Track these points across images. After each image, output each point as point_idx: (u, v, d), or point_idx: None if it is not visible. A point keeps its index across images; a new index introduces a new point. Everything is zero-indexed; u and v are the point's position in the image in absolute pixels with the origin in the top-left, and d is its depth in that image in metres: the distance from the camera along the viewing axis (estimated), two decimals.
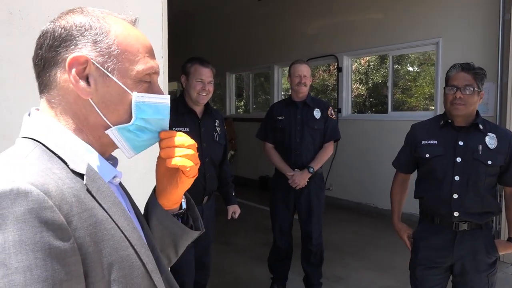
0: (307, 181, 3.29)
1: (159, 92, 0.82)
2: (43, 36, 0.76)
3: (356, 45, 6.35)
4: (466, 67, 2.10)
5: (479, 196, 2.10)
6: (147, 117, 0.79)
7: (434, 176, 2.17)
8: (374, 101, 10.71)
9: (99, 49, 0.74)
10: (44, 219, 0.59)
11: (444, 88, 2.18)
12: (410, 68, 10.39)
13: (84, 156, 0.74)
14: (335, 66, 6.92)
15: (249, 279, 3.92)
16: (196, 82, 2.56)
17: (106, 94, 0.75)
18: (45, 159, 0.68)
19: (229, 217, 2.91)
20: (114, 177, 0.81)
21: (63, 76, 0.74)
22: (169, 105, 0.82)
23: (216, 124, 2.72)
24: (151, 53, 0.81)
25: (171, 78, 2.17)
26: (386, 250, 4.65)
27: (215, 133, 2.69)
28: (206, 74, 2.58)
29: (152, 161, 0.90)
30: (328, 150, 3.42)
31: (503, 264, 4.27)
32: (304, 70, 3.33)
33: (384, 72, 10.30)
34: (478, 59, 4.61)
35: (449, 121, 2.17)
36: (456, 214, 2.10)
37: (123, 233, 0.71)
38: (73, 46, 0.74)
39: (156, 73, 0.81)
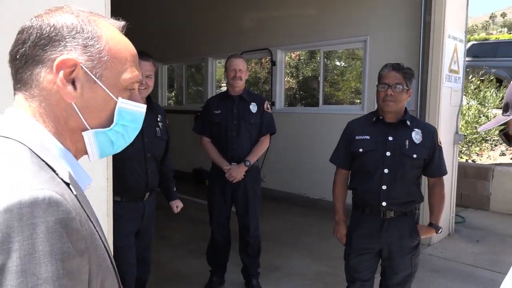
0: (244, 174, 3.33)
1: (138, 100, 0.82)
2: (27, 31, 0.72)
3: (289, 40, 6.51)
4: (397, 67, 2.27)
5: (405, 187, 2.29)
6: (126, 124, 0.79)
7: (366, 169, 2.33)
8: (304, 94, 11.05)
9: (89, 53, 0.73)
10: (71, 230, 0.60)
11: (376, 85, 2.33)
12: (338, 63, 10.85)
13: (65, 163, 0.72)
14: (267, 59, 7.03)
15: (188, 272, 3.92)
16: None
17: (91, 99, 0.74)
18: (43, 168, 0.65)
19: (175, 211, 2.88)
20: (87, 185, 0.80)
21: (47, 77, 0.71)
22: (144, 114, 0.83)
23: (158, 119, 2.67)
24: (136, 62, 0.81)
25: None
26: (318, 237, 4.87)
27: (157, 129, 2.64)
28: (144, 67, 2.51)
29: None
30: (264, 143, 3.49)
31: (421, 246, 4.66)
32: (239, 64, 3.35)
33: (314, 66, 10.67)
34: (401, 57, 4.96)
35: (381, 117, 2.34)
36: (384, 204, 2.27)
37: (101, 239, 0.72)
38: (61, 48, 0.71)
39: (139, 82, 0.81)
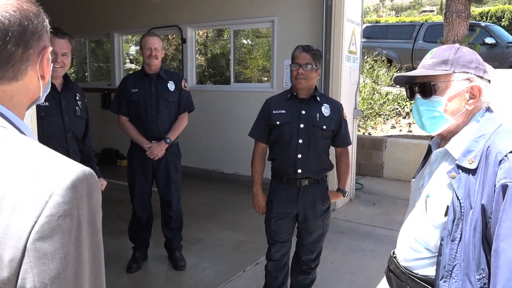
0: (164, 152, 3.41)
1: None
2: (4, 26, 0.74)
3: (199, 18, 6.52)
4: (307, 49, 2.52)
5: (317, 155, 2.59)
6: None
7: (283, 140, 2.58)
8: (213, 72, 11.13)
9: (48, 37, 0.82)
10: (99, 191, 0.74)
11: (290, 65, 2.57)
12: (245, 42, 11.06)
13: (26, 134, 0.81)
14: (174, 36, 6.97)
15: (109, 250, 3.89)
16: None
17: (47, 72, 0.86)
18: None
19: (101, 189, 2.87)
20: None
21: (33, 68, 0.79)
22: None
23: (77, 98, 2.63)
24: None
25: None
26: (234, 210, 5.13)
27: (77, 107, 2.61)
28: (60, 45, 2.45)
29: None
30: (183, 120, 3.58)
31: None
32: (155, 42, 3.37)
33: (223, 44, 10.76)
34: (307, 38, 5.30)
35: (295, 94, 2.59)
36: (299, 171, 2.55)
37: None
38: (41, 40, 0.79)
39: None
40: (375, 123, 8.61)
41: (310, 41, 5.26)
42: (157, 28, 6.78)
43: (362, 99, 8.56)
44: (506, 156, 1.19)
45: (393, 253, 1.58)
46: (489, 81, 1.39)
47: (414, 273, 1.44)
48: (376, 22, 21.64)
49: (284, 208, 2.62)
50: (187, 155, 6.76)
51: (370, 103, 8.57)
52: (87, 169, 0.71)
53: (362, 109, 8.24)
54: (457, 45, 1.41)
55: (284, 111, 2.56)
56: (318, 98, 2.60)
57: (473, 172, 1.25)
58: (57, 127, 2.46)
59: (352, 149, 5.54)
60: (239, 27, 6.60)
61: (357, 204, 5.50)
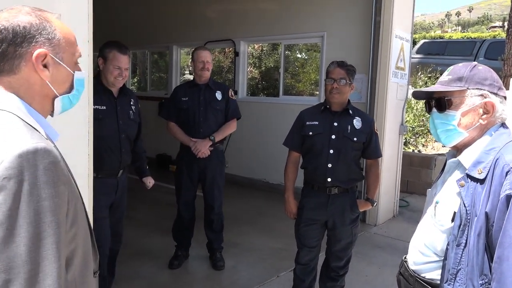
0: (210, 155, 3.60)
1: (79, 70, 1.15)
2: (0, 31, 0.97)
3: (252, 32, 6.80)
4: (341, 64, 2.66)
5: (346, 165, 2.70)
6: (78, 88, 1.13)
7: (314, 150, 2.72)
8: (266, 84, 11.41)
9: (53, 44, 1.03)
10: (59, 168, 0.91)
11: (324, 80, 2.71)
12: (299, 55, 11.25)
13: (39, 125, 1.01)
14: (231, 50, 7.29)
15: (153, 248, 4.19)
16: (114, 68, 2.72)
17: (58, 75, 1.05)
18: (30, 128, 0.94)
19: (148, 187, 3.14)
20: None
21: (28, 65, 1.00)
22: (83, 77, 1.16)
23: (131, 103, 2.93)
24: (76, 42, 1.12)
25: None
26: (276, 218, 5.25)
27: (131, 112, 2.90)
28: (124, 61, 2.77)
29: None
30: (231, 125, 3.79)
31: (368, 226, 5.16)
32: (207, 56, 3.64)
33: (276, 57, 11.02)
34: (354, 53, 5.40)
35: (328, 106, 2.73)
36: (329, 179, 2.67)
37: (72, 177, 1.03)
38: (34, 43, 1.00)
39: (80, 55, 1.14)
40: (426, 140, 8.42)
41: (357, 56, 5.37)
42: (212, 42, 7.16)
43: (413, 116, 8.42)
44: None
45: (405, 257, 1.66)
46: (504, 97, 1.46)
47: (422, 276, 1.52)
48: (436, 38, 21.02)
49: (314, 215, 2.75)
50: (234, 164, 7.04)
51: (422, 120, 8.40)
52: (40, 145, 0.88)
53: (413, 126, 8.12)
54: (474, 63, 1.50)
55: (317, 123, 2.71)
56: (351, 111, 2.72)
57: (481, 181, 1.33)
58: (112, 128, 2.77)
59: (397, 165, 5.51)
60: (290, 41, 6.80)
61: (400, 221, 5.44)
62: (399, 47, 5.07)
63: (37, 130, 0.96)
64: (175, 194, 3.84)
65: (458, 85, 1.45)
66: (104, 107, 2.72)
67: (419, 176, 6.79)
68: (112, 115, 2.77)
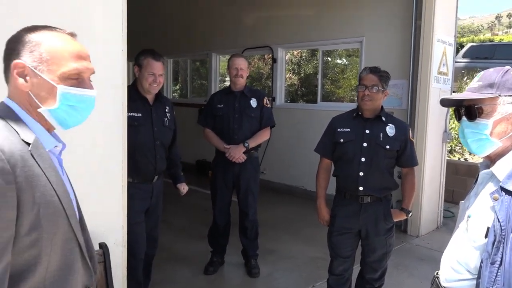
0: (245, 162, 3.62)
1: (88, 87, 1.16)
2: (6, 45, 1.10)
3: (290, 39, 6.79)
4: (374, 70, 2.59)
5: (379, 174, 2.61)
6: (73, 104, 1.13)
7: (346, 157, 2.66)
8: (305, 90, 11.33)
9: (33, 56, 1.08)
10: (1, 171, 0.93)
11: (356, 86, 2.65)
12: (339, 61, 11.11)
13: (30, 132, 1.07)
14: (270, 56, 7.32)
15: (189, 253, 4.24)
16: (148, 75, 2.78)
17: (39, 87, 1.08)
18: (6, 130, 1.01)
19: (181, 193, 3.18)
20: (55, 146, 1.15)
21: (13, 75, 1.09)
22: (94, 96, 1.17)
23: (166, 110, 2.99)
24: (78, 58, 1.13)
25: None
26: (312, 226, 5.16)
27: (165, 119, 2.96)
28: (158, 68, 2.82)
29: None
30: (265, 133, 3.79)
31: (410, 237, 4.98)
32: (241, 63, 3.66)
33: (316, 63, 10.94)
34: (394, 58, 5.27)
35: (360, 113, 2.66)
36: (361, 188, 2.59)
37: (52, 185, 1.05)
38: (16, 56, 1.08)
39: (84, 72, 1.14)
40: None
41: (397, 61, 5.23)
42: (250, 49, 7.21)
43: None
44: None
45: (437, 273, 1.58)
46: None
47: None
48: (484, 41, 20.16)
49: (346, 224, 2.68)
50: (272, 171, 7.03)
51: None
52: None
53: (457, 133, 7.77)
54: (507, 67, 1.41)
55: (348, 130, 2.65)
56: (383, 118, 2.64)
57: None
58: (147, 135, 2.83)
59: (440, 174, 5.29)
60: (327, 47, 6.73)
61: (444, 233, 5.20)
62: (441, 52, 4.88)
63: (17, 132, 1.03)
64: (211, 199, 3.88)
65: (489, 92, 1.36)
66: (140, 114, 2.79)
67: (465, 185, 6.47)
68: (147, 122, 2.83)
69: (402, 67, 5.10)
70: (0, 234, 0.92)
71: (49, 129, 1.14)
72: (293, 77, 11.48)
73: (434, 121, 4.92)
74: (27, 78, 1.07)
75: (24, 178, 0.96)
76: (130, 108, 2.69)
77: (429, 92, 4.77)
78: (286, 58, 7.60)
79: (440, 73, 4.91)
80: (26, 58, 1.07)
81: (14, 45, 1.09)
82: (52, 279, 1.03)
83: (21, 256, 0.97)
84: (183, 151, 8.65)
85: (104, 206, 2.20)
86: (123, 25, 2.18)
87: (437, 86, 4.91)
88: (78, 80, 1.12)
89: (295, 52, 11.03)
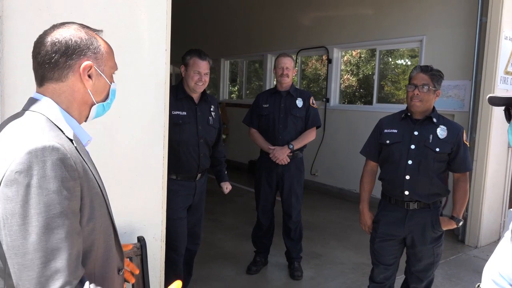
0: (289, 163, 3.58)
1: (114, 81, 1.24)
2: (55, 44, 1.09)
3: (346, 39, 6.64)
4: (425, 69, 2.44)
5: (428, 178, 2.45)
6: (112, 98, 1.23)
7: (392, 160, 2.53)
8: (364, 92, 11.02)
9: (97, 57, 1.14)
10: (66, 164, 0.98)
11: (406, 86, 2.51)
12: (399, 61, 10.68)
13: (70, 127, 1.10)
14: (327, 57, 7.20)
15: (235, 252, 4.27)
16: (194, 73, 2.82)
17: (98, 85, 1.17)
18: (54, 129, 1.05)
19: (225, 192, 3.20)
20: (88, 141, 1.21)
21: (75, 75, 1.11)
22: (116, 89, 1.25)
23: (211, 109, 3.01)
24: (113, 56, 1.23)
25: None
26: (362, 232, 4.99)
27: (210, 117, 2.98)
28: (203, 66, 2.85)
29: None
30: (310, 134, 3.72)
31: (467, 248, 4.68)
32: (287, 62, 3.62)
33: (375, 64, 10.62)
34: (456, 57, 4.98)
35: (409, 114, 2.52)
36: (406, 193, 2.45)
37: (95, 178, 1.11)
38: (82, 56, 1.11)
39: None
40: None
41: (460, 61, 4.94)
42: (305, 49, 7.14)
43: None
44: None
45: (478, 286, 1.45)
46: None
47: None
48: None
49: (390, 230, 2.55)
50: (324, 173, 6.91)
51: None
52: (49, 143, 0.96)
53: None
54: None
55: (395, 131, 2.52)
56: (435, 120, 2.48)
57: None
58: (192, 133, 2.87)
59: (505, 182, 4.91)
60: (385, 47, 6.49)
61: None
62: (509, 50, 4.52)
63: (62, 131, 1.06)
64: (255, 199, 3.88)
65: None
66: (185, 113, 2.84)
67: None
68: (191, 121, 2.87)
69: (465, 67, 4.80)
70: (75, 225, 0.99)
71: (80, 122, 1.20)
72: (351, 78, 11.22)
73: (498, 124, 4.57)
74: (92, 77, 1.14)
75: (82, 173, 1.03)
76: (175, 107, 2.77)
77: (494, 94, 4.43)
78: (345, 59, 7.43)
79: (507, 73, 4.55)
80: (92, 59, 1.13)
81: (75, 44, 1.10)
82: (99, 264, 1.11)
83: (83, 246, 1.04)
84: (236, 151, 8.80)
85: (144, 201, 2.26)
86: (167, 27, 2.23)
87: (504, 87, 4.56)
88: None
89: (354, 53, 10.76)
